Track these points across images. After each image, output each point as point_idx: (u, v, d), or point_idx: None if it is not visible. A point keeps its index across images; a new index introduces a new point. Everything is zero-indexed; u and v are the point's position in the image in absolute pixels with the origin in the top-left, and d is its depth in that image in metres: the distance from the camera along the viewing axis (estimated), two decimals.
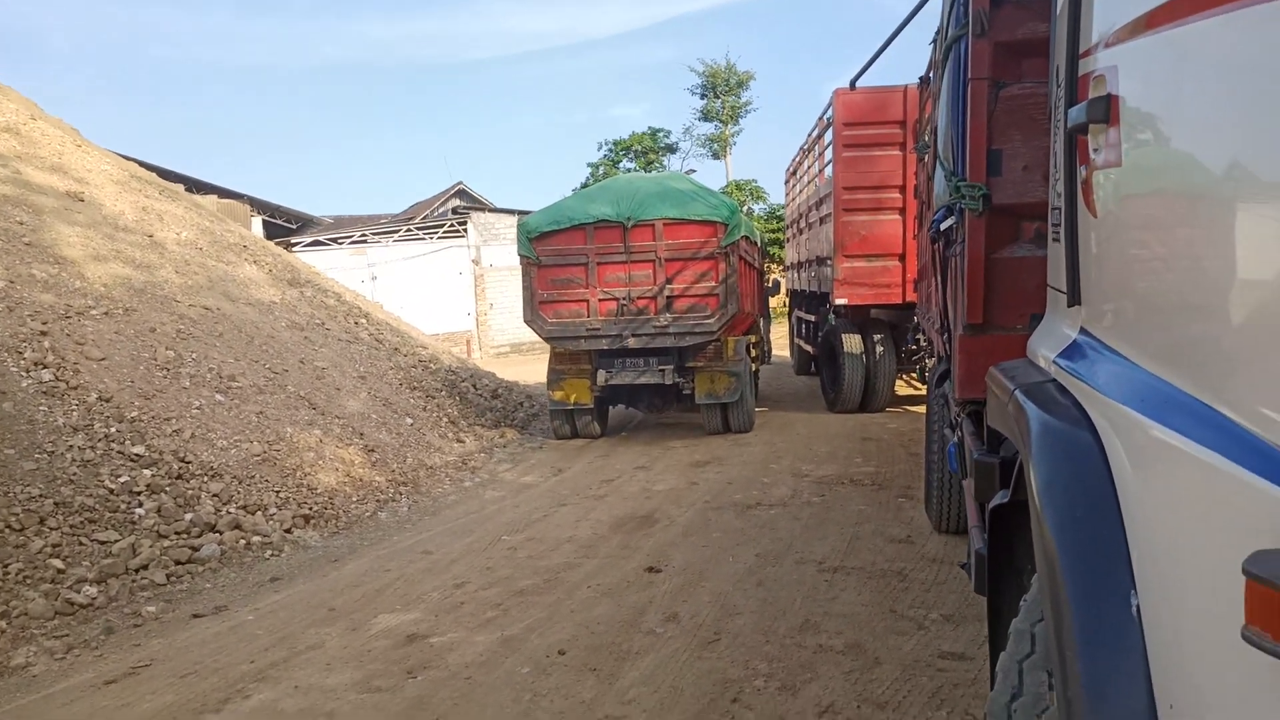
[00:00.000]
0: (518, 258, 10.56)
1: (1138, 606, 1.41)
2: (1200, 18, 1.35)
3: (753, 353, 12.37)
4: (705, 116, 40.05)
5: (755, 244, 12.53)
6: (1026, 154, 3.26)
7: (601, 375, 10.26)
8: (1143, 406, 1.53)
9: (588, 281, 10.06)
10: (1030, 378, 2.28)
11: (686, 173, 27.70)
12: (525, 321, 10.32)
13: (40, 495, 5.82)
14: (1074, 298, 2.14)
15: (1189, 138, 1.50)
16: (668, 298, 9.92)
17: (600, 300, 10.05)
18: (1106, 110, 1.80)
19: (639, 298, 9.99)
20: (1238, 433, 1.21)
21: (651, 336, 9.98)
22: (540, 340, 11.00)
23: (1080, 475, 1.66)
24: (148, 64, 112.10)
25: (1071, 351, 2.10)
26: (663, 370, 10.17)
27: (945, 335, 4.46)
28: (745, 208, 35.55)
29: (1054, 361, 2.17)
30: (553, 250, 10.12)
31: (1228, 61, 1.31)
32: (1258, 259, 1.24)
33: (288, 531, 6.80)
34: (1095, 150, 1.94)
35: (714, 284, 9.85)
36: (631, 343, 9.98)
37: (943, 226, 4.21)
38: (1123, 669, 1.38)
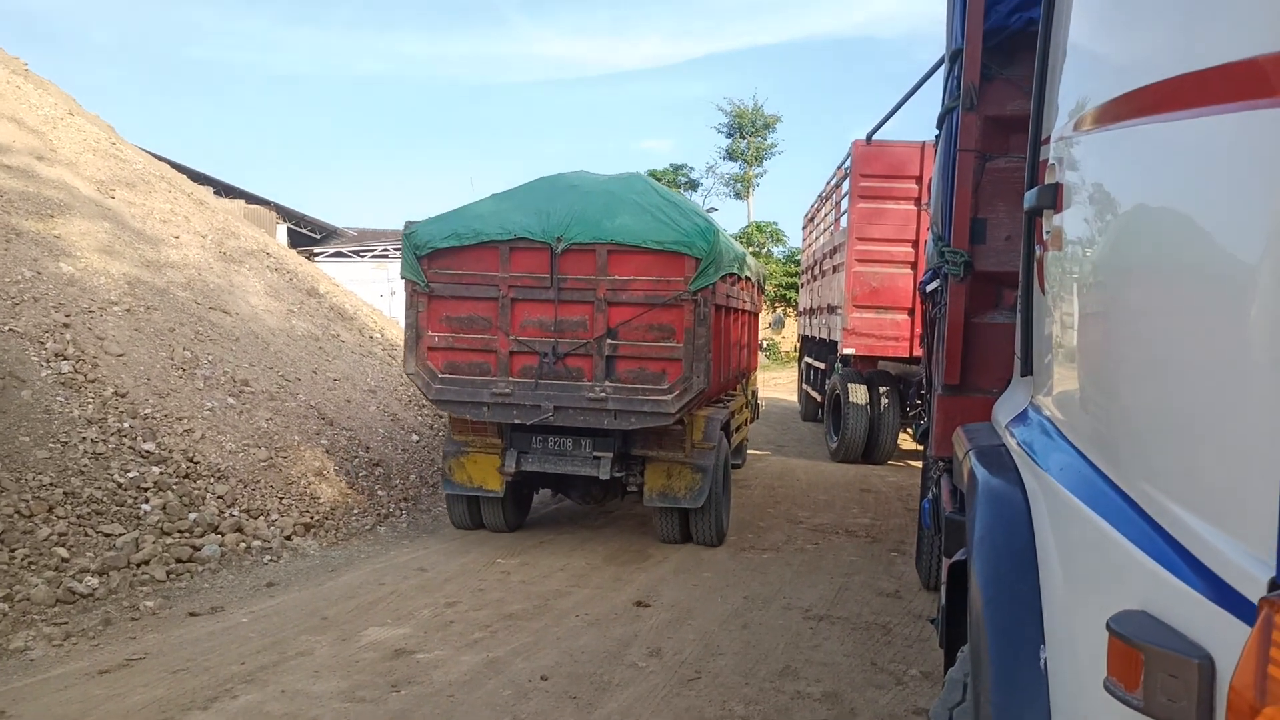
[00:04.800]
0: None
1: (1045, 659, 1.53)
2: (1130, 124, 1.47)
3: (737, 420, 9.19)
4: (730, 156, 40.38)
5: (751, 281, 9.57)
6: (1010, 225, 3.42)
7: (510, 459, 7.14)
8: (1061, 475, 1.66)
9: (497, 325, 6.99)
10: (987, 440, 2.40)
11: (707, 210, 27.23)
12: (407, 374, 7.29)
13: (51, 484, 5.97)
14: (1026, 368, 2.28)
15: (1107, 235, 1.63)
16: (608, 358, 6.84)
17: (513, 353, 7.01)
18: (1054, 197, 1.93)
19: (568, 354, 6.90)
20: (1118, 503, 1.35)
21: (583, 412, 6.88)
22: None
23: (1008, 536, 1.79)
24: (185, 64, 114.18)
25: (1020, 419, 2.23)
26: (598, 459, 7.06)
27: (928, 393, 4.59)
28: (765, 249, 35.54)
29: (1006, 427, 2.30)
30: (450, 275, 7.07)
31: (1150, 166, 1.40)
32: (1141, 351, 1.37)
33: (288, 538, 6.93)
34: (1046, 233, 2.07)
35: (676, 344, 6.74)
36: (554, 418, 6.91)
37: (928, 289, 4.34)
38: (1028, 718, 1.49)
